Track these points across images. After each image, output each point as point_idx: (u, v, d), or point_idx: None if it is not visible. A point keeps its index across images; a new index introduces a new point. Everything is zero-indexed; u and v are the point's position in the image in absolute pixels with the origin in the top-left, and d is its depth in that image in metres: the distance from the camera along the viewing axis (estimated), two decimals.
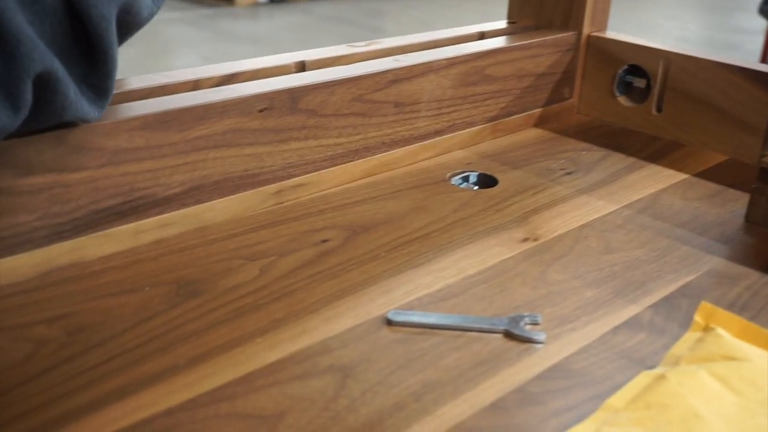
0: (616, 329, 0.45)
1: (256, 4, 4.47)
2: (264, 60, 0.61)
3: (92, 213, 0.48)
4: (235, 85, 0.55)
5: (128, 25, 0.45)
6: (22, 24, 0.38)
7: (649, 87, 0.74)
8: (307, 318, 0.44)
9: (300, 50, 0.64)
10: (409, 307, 0.46)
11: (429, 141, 0.67)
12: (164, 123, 0.49)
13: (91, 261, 0.48)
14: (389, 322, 0.44)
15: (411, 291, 0.48)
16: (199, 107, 0.51)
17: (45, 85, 0.40)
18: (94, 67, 0.43)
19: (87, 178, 0.47)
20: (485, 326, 0.44)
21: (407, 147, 0.65)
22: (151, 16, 0.47)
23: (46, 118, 0.43)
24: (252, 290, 0.47)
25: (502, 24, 0.79)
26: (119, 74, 0.47)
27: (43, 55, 0.39)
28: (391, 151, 0.64)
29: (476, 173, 0.65)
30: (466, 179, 0.64)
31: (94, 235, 0.48)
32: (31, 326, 0.42)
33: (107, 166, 0.48)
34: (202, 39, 3.73)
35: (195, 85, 0.56)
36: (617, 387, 0.40)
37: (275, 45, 3.63)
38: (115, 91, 0.51)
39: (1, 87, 0.37)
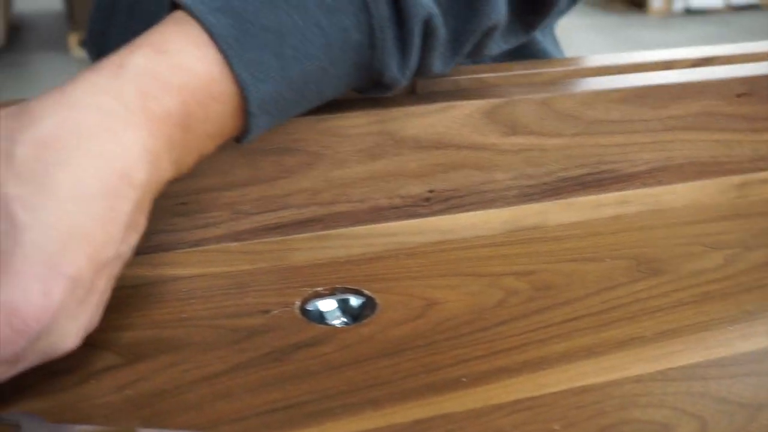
0: None
1: (670, 14, 4.29)
2: (739, 46, 0.58)
3: (560, 180, 0.49)
4: (714, 67, 0.53)
5: None
6: None
7: None
8: None
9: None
10: None
11: None
12: (641, 98, 0.49)
13: (552, 226, 0.50)
14: None
15: None
16: (677, 85, 0.50)
17: (490, 31, 0.43)
18: (536, 13, 0.46)
19: (562, 144, 0.48)
20: None
21: None
22: None
23: (476, 56, 0.46)
24: (717, 278, 0.44)
25: None
26: None
27: (500, 8, 0.42)
28: None
29: None
30: None
31: (557, 201, 0.50)
32: (501, 276, 0.44)
33: (582, 135, 0.48)
34: (607, 46, 3.68)
35: (667, 65, 0.54)
36: None
37: None
38: (590, 66, 0.52)
39: (454, 42, 0.42)
